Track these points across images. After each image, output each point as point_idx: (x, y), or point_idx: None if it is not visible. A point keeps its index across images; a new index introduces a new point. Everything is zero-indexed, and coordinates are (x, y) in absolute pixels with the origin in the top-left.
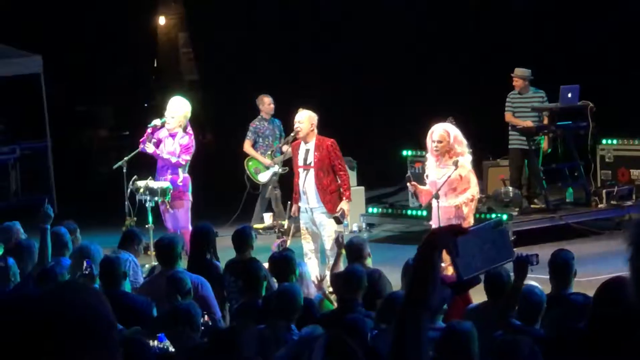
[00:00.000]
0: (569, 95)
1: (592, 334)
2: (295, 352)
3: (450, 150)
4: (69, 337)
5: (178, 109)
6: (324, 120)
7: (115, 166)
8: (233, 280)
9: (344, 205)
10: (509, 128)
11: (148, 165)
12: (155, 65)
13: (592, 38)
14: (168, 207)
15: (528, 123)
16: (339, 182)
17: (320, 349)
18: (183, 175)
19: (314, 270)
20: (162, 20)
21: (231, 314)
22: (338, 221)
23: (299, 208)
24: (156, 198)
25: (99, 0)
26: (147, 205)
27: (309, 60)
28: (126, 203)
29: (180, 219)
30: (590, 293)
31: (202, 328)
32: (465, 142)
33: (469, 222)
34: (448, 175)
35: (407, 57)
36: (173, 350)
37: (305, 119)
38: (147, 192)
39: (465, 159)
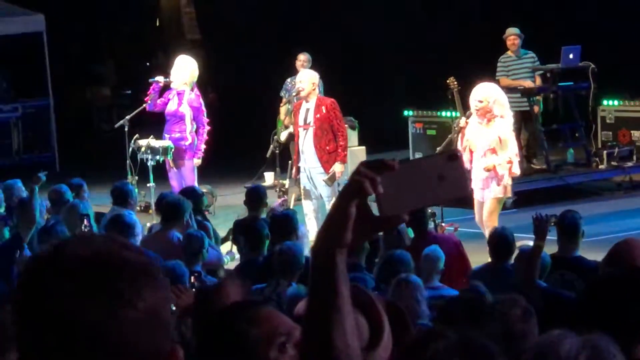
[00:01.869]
0: (571, 55)
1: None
2: None
3: (490, 111)
4: (136, 279)
5: (184, 67)
6: (327, 80)
7: (117, 125)
8: (242, 238)
9: (336, 167)
10: (506, 92)
11: (150, 124)
12: (157, 24)
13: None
14: (172, 165)
15: (528, 83)
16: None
17: None
18: (190, 135)
19: (314, 230)
20: None
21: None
22: (327, 184)
23: (298, 169)
24: (157, 157)
25: None
26: (148, 164)
27: (310, 19)
28: (128, 162)
29: (186, 177)
30: (591, 254)
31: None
32: (507, 104)
33: (506, 185)
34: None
35: (407, 19)
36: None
37: (306, 79)
38: (149, 151)
39: (505, 121)
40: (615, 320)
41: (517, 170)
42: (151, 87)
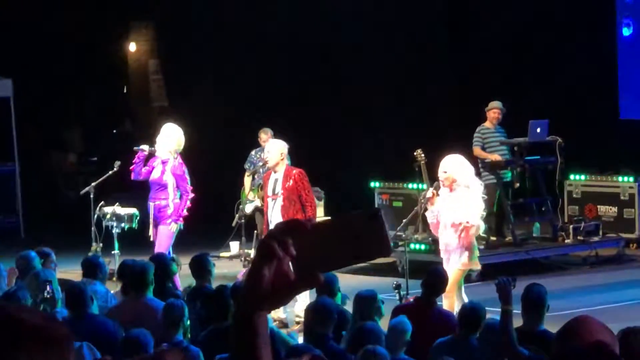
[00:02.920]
0: (538, 130)
1: None
2: None
3: (455, 181)
4: (35, 345)
5: (170, 136)
6: (293, 150)
7: (83, 192)
8: (197, 308)
9: None
10: (479, 163)
11: (115, 191)
12: (125, 91)
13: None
14: (150, 232)
15: (496, 157)
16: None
17: None
18: (173, 203)
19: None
20: (132, 47)
21: (198, 340)
22: None
23: None
24: (123, 224)
25: (69, 25)
26: (113, 231)
27: (282, 85)
28: (93, 229)
29: (161, 242)
30: (556, 328)
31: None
32: (472, 173)
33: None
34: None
35: (371, 89)
36: None
37: (274, 149)
38: (114, 218)
39: (471, 190)
40: None
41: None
42: (136, 156)
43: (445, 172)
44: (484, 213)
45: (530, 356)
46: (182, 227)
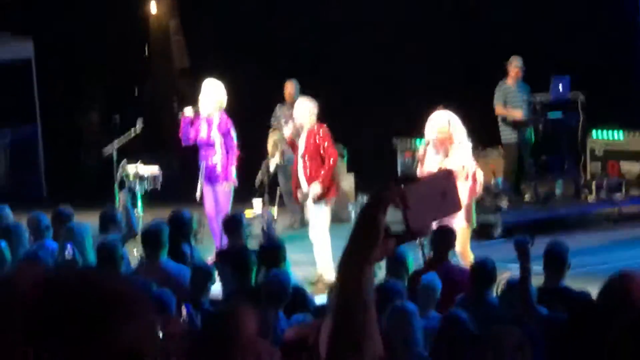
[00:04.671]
0: (560, 86)
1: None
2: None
3: (448, 139)
4: (117, 310)
5: (212, 93)
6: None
7: (105, 152)
8: (226, 268)
9: (313, 186)
10: (499, 120)
11: (138, 149)
12: (146, 52)
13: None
14: (209, 189)
15: (518, 114)
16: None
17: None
18: (222, 161)
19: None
20: (153, 7)
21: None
22: (302, 199)
23: (298, 195)
24: (145, 184)
25: None
26: (136, 191)
27: (302, 47)
28: (115, 189)
29: (220, 202)
30: (579, 285)
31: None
32: (464, 131)
33: (468, 211)
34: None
35: (398, 46)
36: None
37: (303, 109)
38: (137, 178)
39: (462, 149)
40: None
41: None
42: (182, 121)
43: (441, 128)
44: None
45: (548, 315)
46: (236, 185)
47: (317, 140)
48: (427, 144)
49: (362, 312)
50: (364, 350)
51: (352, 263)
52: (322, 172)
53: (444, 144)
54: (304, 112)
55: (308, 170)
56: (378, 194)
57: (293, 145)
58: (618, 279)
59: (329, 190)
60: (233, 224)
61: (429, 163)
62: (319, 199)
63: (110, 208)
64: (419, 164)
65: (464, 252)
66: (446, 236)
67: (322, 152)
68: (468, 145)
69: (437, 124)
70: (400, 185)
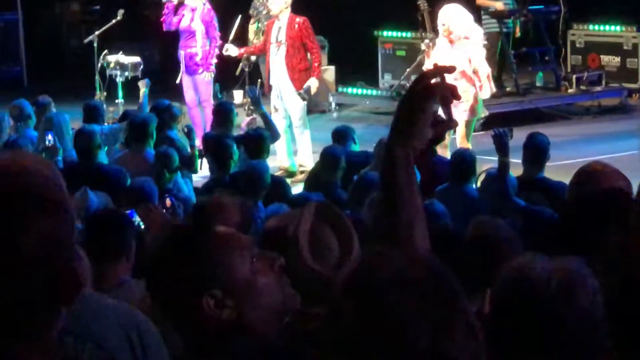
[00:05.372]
0: None
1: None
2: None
3: (453, 33)
4: (29, 205)
5: None
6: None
7: (87, 40)
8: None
9: (311, 81)
10: (482, 11)
11: (119, 40)
12: None
13: None
14: (188, 78)
15: (500, 5)
16: (310, 59)
17: (309, 215)
18: (202, 50)
19: (282, 149)
20: None
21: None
22: (303, 98)
23: (270, 86)
24: (127, 73)
25: None
26: (117, 80)
27: None
28: (96, 78)
29: (201, 92)
30: (557, 177)
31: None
32: (471, 23)
33: (473, 106)
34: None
35: None
36: (143, 227)
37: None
38: (118, 67)
39: (472, 41)
40: (592, 241)
41: (486, 94)
42: (165, 6)
43: (444, 24)
44: (489, 71)
45: (525, 206)
46: (213, 74)
47: (301, 32)
48: (433, 37)
49: (409, 196)
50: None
51: (399, 147)
52: (316, 67)
53: (449, 37)
54: (278, 2)
55: (291, 61)
56: (426, 87)
57: (251, 52)
58: (587, 169)
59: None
60: (223, 112)
61: (441, 55)
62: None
63: (94, 99)
64: (425, 56)
65: (462, 144)
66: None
67: (308, 45)
68: (477, 38)
69: (441, 18)
70: (440, 77)
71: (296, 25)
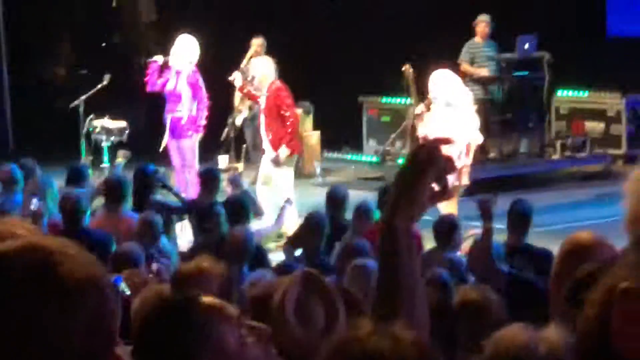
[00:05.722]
0: (526, 45)
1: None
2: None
3: (441, 98)
4: (82, 290)
5: (185, 46)
6: (281, 64)
7: (73, 104)
8: (193, 221)
9: (280, 150)
10: (466, 78)
11: (105, 104)
12: (114, 4)
13: None
14: (175, 142)
15: (484, 72)
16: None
17: (296, 285)
18: (189, 114)
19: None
20: None
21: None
22: (276, 164)
23: (263, 150)
24: (112, 138)
25: None
26: (102, 144)
27: (267, 2)
28: (82, 142)
29: (186, 156)
30: (541, 243)
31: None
32: (462, 90)
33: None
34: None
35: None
36: (129, 293)
37: (260, 67)
38: (103, 132)
39: (461, 108)
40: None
41: (464, 161)
42: (149, 67)
43: (433, 90)
44: (478, 125)
45: (509, 272)
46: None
47: (274, 100)
48: (429, 103)
49: (410, 276)
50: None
51: (401, 224)
52: (286, 135)
53: (438, 104)
54: (262, 70)
55: (271, 133)
56: (427, 159)
57: (249, 95)
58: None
59: (291, 151)
60: (209, 178)
61: (433, 120)
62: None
63: (79, 162)
64: (417, 122)
65: (447, 209)
66: None
67: (282, 112)
68: (467, 104)
69: (432, 83)
70: (439, 149)
71: (274, 93)
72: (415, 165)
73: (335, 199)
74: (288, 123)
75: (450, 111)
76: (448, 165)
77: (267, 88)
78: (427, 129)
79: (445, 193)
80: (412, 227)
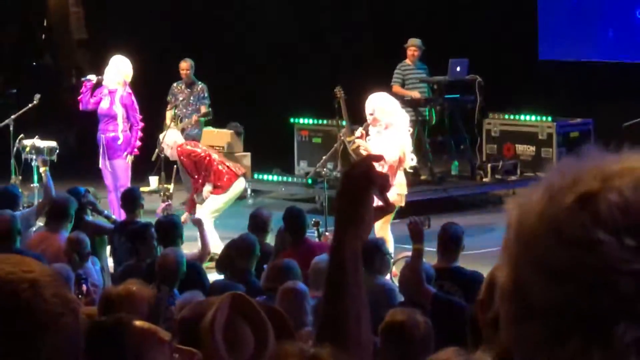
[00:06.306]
0: (458, 68)
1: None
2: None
3: (379, 121)
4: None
5: (118, 66)
6: (212, 86)
7: (2, 124)
8: (123, 242)
9: (205, 189)
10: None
11: (36, 124)
12: (44, 23)
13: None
14: (107, 164)
15: (416, 94)
16: None
17: (224, 308)
18: (123, 134)
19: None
20: None
21: (114, 274)
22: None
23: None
24: (42, 157)
25: None
26: (32, 164)
27: (201, 21)
28: (12, 162)
29: (119, 177)
30: (472, 266)
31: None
32: (397, 111)
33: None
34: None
35: (297, 24)
36: None
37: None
38: (33, 151)
39: (394, 129)
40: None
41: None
42: (83, 85)
43: (371, 113)
44: (412, 147)
45: (436, 294)
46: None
47: (185, 156)
48: (367, 126)
49: (358, 296)
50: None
51: (348, 245)
52: (200, 178)
53: (375, 125)
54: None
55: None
56: (365, 177)
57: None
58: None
59: (223, 182)
60: (130, 199)
61: (371, 143)
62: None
63: (8, 184)
64: (354, 145)
65: (380, 232)
66: (300, 218)
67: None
68: (401, 126)
69: (369, 106)
70: (374, 166)
71: (180, 159)
72: (355, 184)
73: (257, 223)
74: (199, 164)
75: (388, 133)
76: (384, 180)
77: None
78: (365, 151)
79: (388, 206)
80: (360, 249)
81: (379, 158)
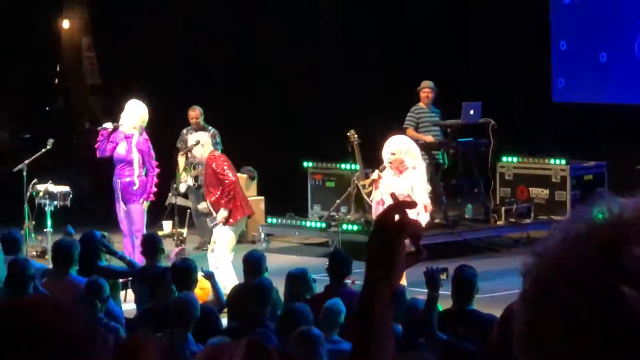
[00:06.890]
0: (471, 111)
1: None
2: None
3: (402, 162)
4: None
5: (134, 111)
6: (225, 130)
7: (16, 169)
8: (144, 287)
9: (220, 212)
10: None
11: (49, 169)
12: (58, 68)
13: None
14: (123, 207)
15: (429, 138)
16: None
17: (240, 354)
18: (139, 179)
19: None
20: (66, 24)
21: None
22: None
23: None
24: (56, 202)
25: (1, 1)
26: (46, 209)
27: (213, 63)
28: (25, 207)
29: (135, 221)
30: (486, 310)
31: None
32: (418, 154)
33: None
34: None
35: (307, 69)
36: None
37: (197, 149)
38: (47, 196)
39: (417, 171)
40: None
41: (423, 220)
42: (100, 134)
43: (394, 153)
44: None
45: (447, 340)
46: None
47: (211, 167)
48: (383, 168)
49: (386, 344)
50: None
51: (379, 294)
52: (222, 196)
53: (397, 167)
54: (198, 147)
55: (212, 197)
56: (399, 224)
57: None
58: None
59: (232, 213)
60: (151, 244)
61: (387, 185)
62: (224, 223)
63: (12, 230)
64: (374, 187)
65: None
66: (344, 262)
67: (220, 177)
68: (422, 169)
69: (391, 147)
70: (407, 213)
71: (211, 163)
72: (388, 231)
73: (250, 266)
74: (224, 186)
75: (413, 175)
76: (418, 227)
77: (206, 159)
78: (382, 195)
79: (420, 253)
80: (390, 297)
81: (413, 205)
